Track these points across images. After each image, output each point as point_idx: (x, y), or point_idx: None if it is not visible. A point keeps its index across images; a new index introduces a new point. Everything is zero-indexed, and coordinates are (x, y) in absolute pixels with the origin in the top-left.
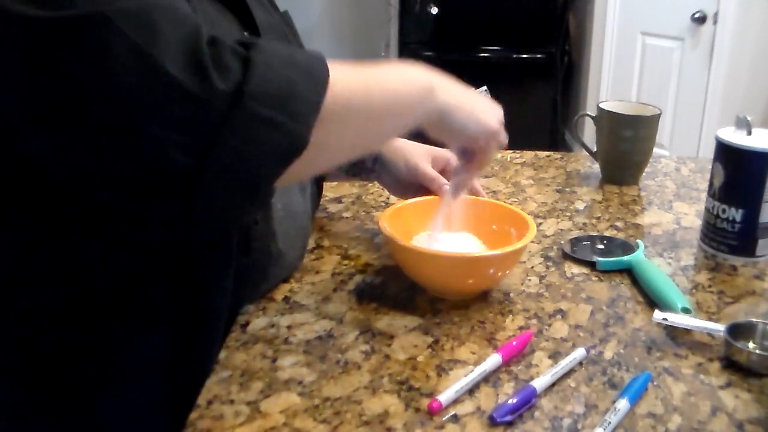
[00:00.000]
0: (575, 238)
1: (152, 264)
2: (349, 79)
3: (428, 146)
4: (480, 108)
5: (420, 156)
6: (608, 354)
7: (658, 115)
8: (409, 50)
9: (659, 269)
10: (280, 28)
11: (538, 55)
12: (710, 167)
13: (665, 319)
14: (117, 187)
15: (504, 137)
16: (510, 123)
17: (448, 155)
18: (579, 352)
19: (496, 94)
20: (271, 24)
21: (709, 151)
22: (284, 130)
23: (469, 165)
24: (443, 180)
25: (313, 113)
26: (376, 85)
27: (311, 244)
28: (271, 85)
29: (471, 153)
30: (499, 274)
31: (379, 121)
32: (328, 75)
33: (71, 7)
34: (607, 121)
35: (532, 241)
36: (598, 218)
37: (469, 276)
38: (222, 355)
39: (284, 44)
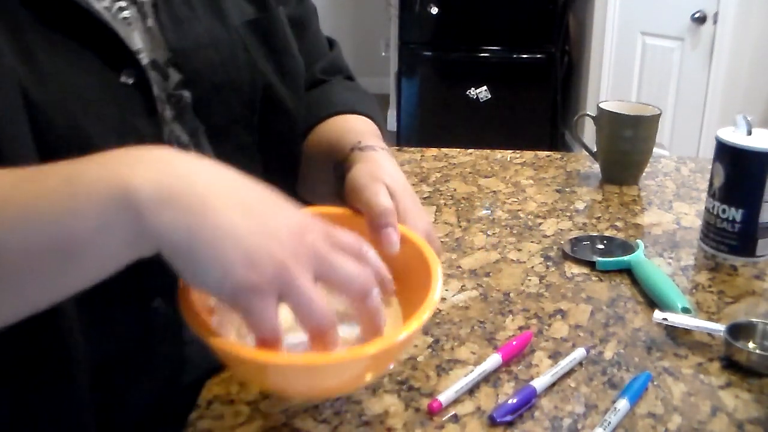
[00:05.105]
0: (575, 238)
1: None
2: None
3: (391, 170)
4: (268, 230)
5: (372, 176)
6: (608, 354)
7: (658, 115)
8: (409, 50)
9: (659, 269)
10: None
11: (538, 55)
12: (710, 167)
13: (665, 319)
14: None
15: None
16: (510, 123)
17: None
18: (579, 352)
19: (496, 94)
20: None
21: (709, 151)
22: None
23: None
24: (393, 219)
25: None
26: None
27: None
28: None
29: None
30: (368, 377)
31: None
32: None
33: None
34: (607, 121)
35: (532, 241)
36: (598, 218)
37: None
38: None
39: None
